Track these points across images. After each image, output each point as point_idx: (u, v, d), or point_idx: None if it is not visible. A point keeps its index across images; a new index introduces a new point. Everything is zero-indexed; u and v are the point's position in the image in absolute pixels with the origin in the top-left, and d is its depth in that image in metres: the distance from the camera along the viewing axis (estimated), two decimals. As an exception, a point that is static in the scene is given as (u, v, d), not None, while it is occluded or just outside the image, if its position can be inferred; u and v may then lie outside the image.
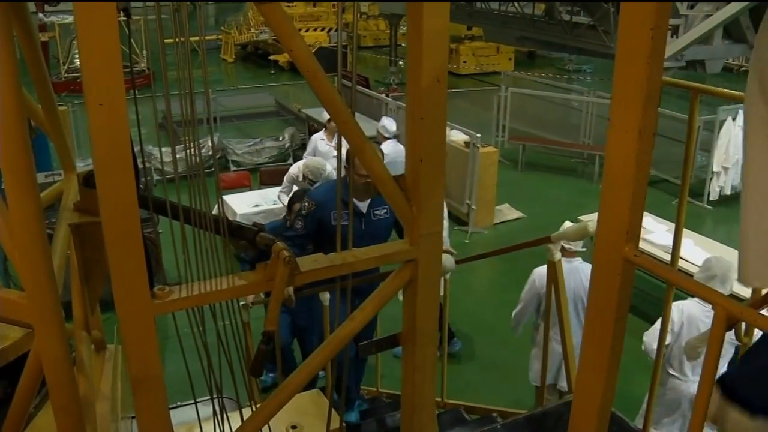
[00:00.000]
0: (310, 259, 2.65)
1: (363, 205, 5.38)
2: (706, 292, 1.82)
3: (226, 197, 10.45)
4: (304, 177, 9.07)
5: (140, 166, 2.50)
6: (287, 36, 2.33)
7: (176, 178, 2.61)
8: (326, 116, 10.70)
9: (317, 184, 8.27)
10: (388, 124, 11.17)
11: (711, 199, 12.64)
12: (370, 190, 2.46)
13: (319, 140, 10.67)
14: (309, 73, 2.35)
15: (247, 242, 2.77)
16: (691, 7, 13.02)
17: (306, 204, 5.52)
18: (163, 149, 9.24)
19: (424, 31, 2.40)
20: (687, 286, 1.91)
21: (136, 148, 2.37)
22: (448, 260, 2.93)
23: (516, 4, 17.19)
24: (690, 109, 2.99)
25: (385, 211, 5.44)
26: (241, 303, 5.83)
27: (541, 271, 5.38)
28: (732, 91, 3.05)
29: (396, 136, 11.05)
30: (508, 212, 12.51)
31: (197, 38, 2.56)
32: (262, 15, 2.38)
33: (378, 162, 2.54)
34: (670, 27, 12.60)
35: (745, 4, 11.83)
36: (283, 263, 2.49)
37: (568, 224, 5.53)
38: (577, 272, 5.72)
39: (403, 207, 2.60)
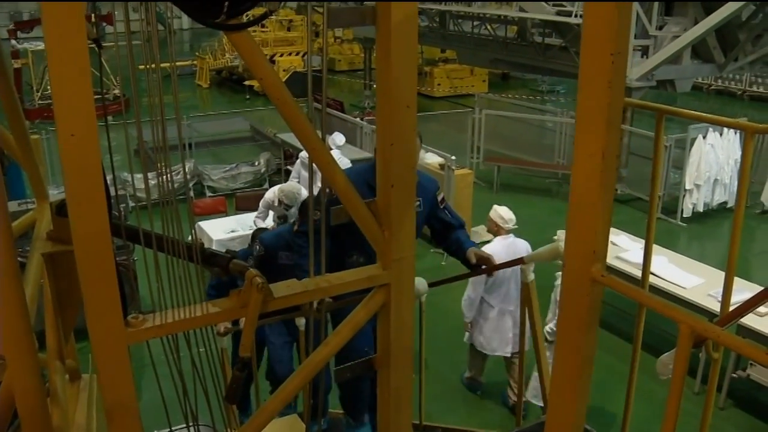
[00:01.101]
0: (284, 285, 2.67)
1: None
2: (672, 312, 1.86)
3: (201, 223, 10.40)
4: (280, 202, 9.05)
5: (115, 193, 2.51)
6: (257, 64, 2.36)
7: (149, 206, 2.61)
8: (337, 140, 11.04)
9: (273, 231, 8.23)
10: (337, 138, 11.70)
11: (684, 216, 12.76)
12: (342, 215, 2.49)
13: (306, 157, 10.74)
14: (279, 101, 2.38)
15: (221, 269, 2.77)
16: (660, 28, 13.24)
17: (257, 248, 5.86)
18: (139, 176, 9.20)
19: (393, 58, 2.44)
20: (654, 305, 1.94)
21: (111, 176, 2.39)
22: (421, 284, 2.95)
23: (489, 26, 17.39)
24: (656, 129, 3.05)
25: (418, 204, 4.74)
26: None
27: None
28: (696, 113, 3.11)
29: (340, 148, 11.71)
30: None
31: (169, 64, 2.58)
32: (232, 44, 2.41)
33: (350, 188, 2.56)
34: (640, 47, 12.77)
35: (712, 24, 12.06)
36: (257, 290, 2.50)
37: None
38: (514, 245, 6.85)
39: (375, 232, 2.62)
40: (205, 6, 2.27)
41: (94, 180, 2.11)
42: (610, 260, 8.35)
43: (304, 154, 11.08)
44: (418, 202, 4.43)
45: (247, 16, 2.38)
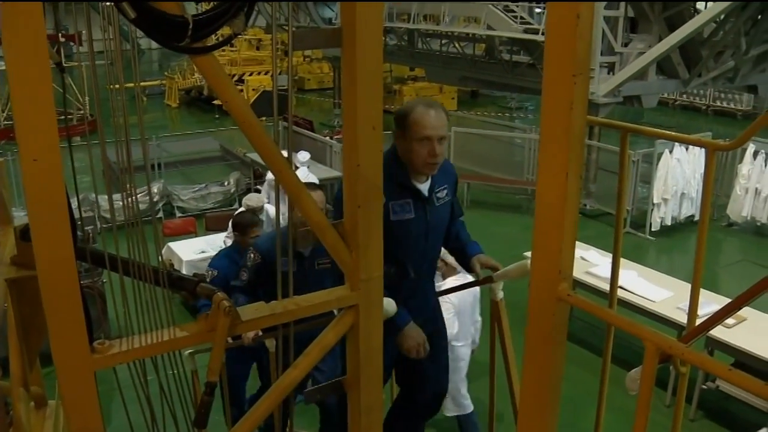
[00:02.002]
0: (252, 308, 2.66)
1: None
2: (637, 330, 1.87)
3: (171, 244, 10.33)
4: (247, 207, 9.04)
5: (85, 214, 2.48)
6: (222, 87, 2.36)
7: (113, 228, 2.59)
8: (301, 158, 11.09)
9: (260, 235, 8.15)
10: (301, 155, 11.80)
11: (653, 230, 12.89)
12: (309, 237, 2.48)
13: (272, 180, 10.71)
14: (244, 124, 2.37)
15: (188, 293, 2.75)
16: (626, 45, 13.43)
17: (251, 256, 5.40)
18: (107, 197, 9.12)
19: (358, 80, 2.45)
20: (619, 324, 1.96)
21: (76, 198, 2.36)
22: (389, 304, 2.95)
23: (457, 44, 17.52)
24: (621, 147, 3.08)
25: (446, 192, 4.05)
26: (186, 352, 5.74)
27: None
28: (659, 130, 3.14)
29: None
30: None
31: (139, 84, 2.57)
32: (196, 67, 2.40)
33: (316, 210, 2.56)
34: (606, 64, 12.91)
35: (675, 41, 12.25)
36: (224, 314, 2.49)
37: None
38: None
39: (343, 253, 2.62)
40: (169, 29, 2.26)
41: (58, 205, 2.09)
42: (580, 275, 8.40)
43: (271, 175, 11.07)
44: (444, 190, 3.98)
45: (216, 36, 2.38)
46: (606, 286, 8.00)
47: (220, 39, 2.48)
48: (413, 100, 4.16)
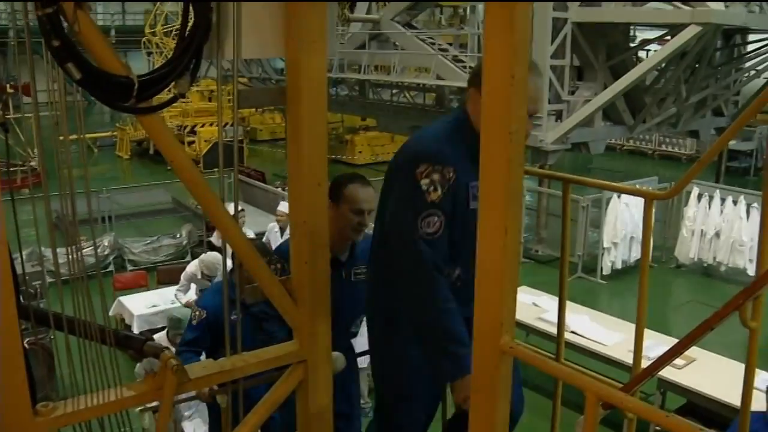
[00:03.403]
0: (200, 366, 2.64)
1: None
2: (577, 380, 1.91)
3: (122, 298, 10.19)
4: (202, 274, 8.96)
5: (33, 269, 2.46)
6: (167, 146, 2.38)
7: (58, 283, 2.56)
8: (230, 210, 10.79)
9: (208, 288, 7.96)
10: (282, 206, 11.42)
11: (604, 273, 13.07)
12: (257, 293, 2.49)
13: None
14: (190, 183, 2.39)
15: (135, 352, 2.73)
16: (572, 93, 13.74)
17: (196, 314, 5.23)
18: (58, 250, 8.97)
19: (303, 137, 2.49)
20: (560, 375, 1.99)
21: (22, 254, 2.34)
22: (338, 358, 2.96)
23: (407, 94, 17.75)
24: (563, 197, 3.16)
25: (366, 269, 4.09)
26: (137, 409, 5.62)
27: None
28: (600, 181, 3.24)
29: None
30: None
31: (89, 135, 2.56)
32: (142, 126, 2.42)
33: (263, 267, 2.58)
34: (554, 112, 13.19)
35: (619, 89, 12.57)
36: (171, 372, 2.47)
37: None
38: None
39: (290, 309, 2.63)
40: (115, 90, 2.28)
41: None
42: (533, 321, 8.47)
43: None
44: (366, 268, 3.93)
45: (168, 90, 2.40)
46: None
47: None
48: None
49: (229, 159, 2.68)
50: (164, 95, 2.50)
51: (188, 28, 2.36)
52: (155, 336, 7.90)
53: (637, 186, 12.95)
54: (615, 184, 3.37)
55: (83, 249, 2.54)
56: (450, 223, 2.89)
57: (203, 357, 5.55)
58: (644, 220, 3.03)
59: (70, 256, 2.48)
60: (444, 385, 3.40)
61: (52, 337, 8.61)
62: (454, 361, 2.87)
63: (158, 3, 31.51)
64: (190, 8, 2.36)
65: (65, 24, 2.14)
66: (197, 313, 5.24)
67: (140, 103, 2.31)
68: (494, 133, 1.95)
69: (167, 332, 7.53)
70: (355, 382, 4.60)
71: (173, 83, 2.38)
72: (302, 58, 2.45)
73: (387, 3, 17.20)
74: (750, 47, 15.44)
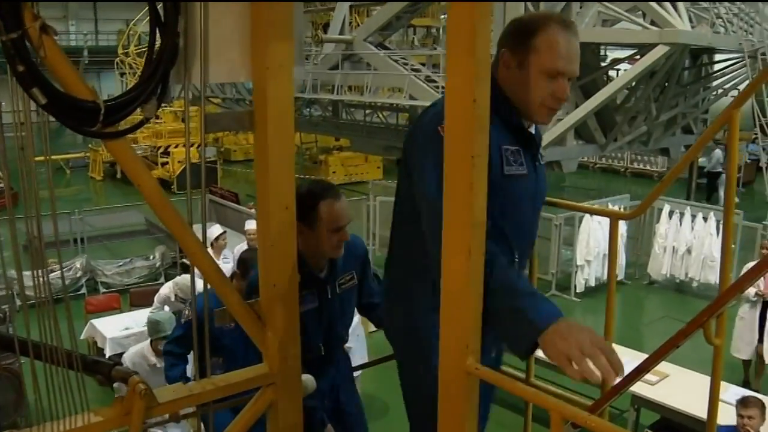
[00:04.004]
0: (169, 390, 2.63)
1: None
2: (542, 400, 1.93)
3: (94, 321, 10.12)
4: (176, 296, 8.92)
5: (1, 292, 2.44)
6: (135, 171, 2.38)
7: (24, 308, 2.54)
8: (212, 234, 10.66)
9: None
10: (249, 224, 11.28)
11: (578, 291, 13.17)
12: (226, 317, 2.49)
13: None
14: (157, 207, 2.40)
15: (103, 377, 2.71)
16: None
17: (186, 312, 5.28)
18: (26, 273, 8.88)
19: (270, 160, 2.51)
20: (525, 395, 2.01)
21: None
22: (309, 381, 2.96)
23: (380, 114, 17.83)
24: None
25: (351, 277, 3.83)
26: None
27: None
28: (568, 202, 3.29)
29: None
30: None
31: (61, 156, 2.55)
32: (108, 151, 2.42)
33: (231, 291, 2.58)
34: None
35: (591, 108, 12.71)
36: (139, 396, 2.46)
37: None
38: None
39: (259, 332, 2.63)
40: (81, 115, 2.28)
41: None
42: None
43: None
44: (350, 275, 3.74)
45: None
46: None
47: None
48: None
49: (206, 178, 2.69)
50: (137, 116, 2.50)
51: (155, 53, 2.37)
52: (138, 346, 7.78)
53: (609, 204, 13.20)
54: (582, 204, 3.42)
55: (54, 272, 2.53)
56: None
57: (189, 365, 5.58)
58: (610, 239, 3.08)
59: (37, 280, 2.46)
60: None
61: (21, 362, 8.52)
62: (527, 316, 2.08)
63: (131, 23, 31.51)
64: (158, 33, 2.37)
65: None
66: (187, 312, 5.27)
67: (107, 127, 2.31)
68: (456, 157, 1.97)
69: (150, 341, 7.40)
70: (353, 384, 4.21)
71: (140, 108, 2.38)
72: (269, 82, 2.47)
73: (359, 24, 17.30)
74: (717, 66, 15.69)
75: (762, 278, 8.58)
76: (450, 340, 2.04)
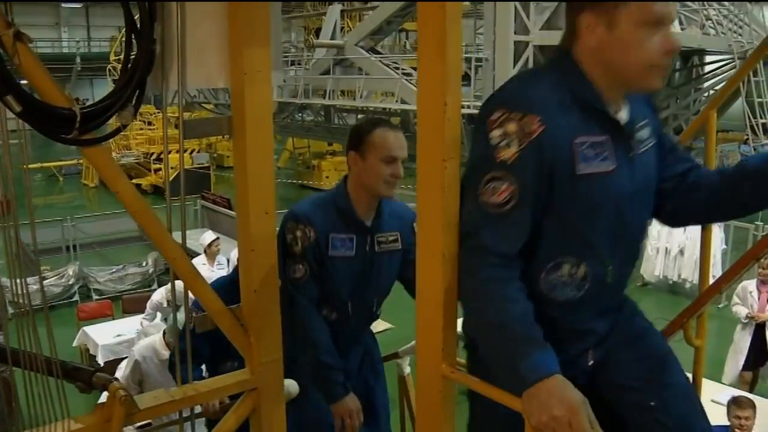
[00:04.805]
0: (150, 396, 2.63)
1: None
2: (516, 403, 1.93)
3: (86, 328, 10.10)
4: (168, 303, 8.88)
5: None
6: (113, 178, 2.38)
7: (2, 318, 2.54)
8: (205, 240, 10.62)
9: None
10: (206, 236, 11.09)
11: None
12: (206, 323, 2.48)
13: (200, 264, 10.29)
14: (137, 214, 2.40)
15: (83, 383, 2.70)
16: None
17: (300, 234, 3.64)
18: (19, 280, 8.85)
19: (249, 167, 2.50)
20: (500, 398, 1.99)
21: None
22: (292, 386, 2.95)
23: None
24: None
25: (395, 238, 3.56)
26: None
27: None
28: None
29: None
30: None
31: (54, 163, 2.55)
32: (86, 158, 2.42)
33: (212, 298, 2.57)
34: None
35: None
36: (119, 403, 2.45)
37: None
38: None
39: (241, 337, 2.63)
40: (56, 122, 2.28)
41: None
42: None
43: (197, 260, 10.59)
44: (395, 236, 3.51)
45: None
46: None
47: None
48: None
49: (195, 186, 2.69)
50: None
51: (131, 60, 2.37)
52: (149, 338, 7.46)
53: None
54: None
55: (45, 279, 2.52)
56: (548, 195, 1.98)
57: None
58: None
59: (18, 290, 2.46)
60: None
61: (12, 369, 8.45)
62: (516, 365, 1.89)
63: (123, 30, 31.41)
64: (133, 39, 2.37)
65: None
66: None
67: (83, 135, 2.30)
68: (428, 162, 1.98)
69: (163, 333, 7.07)
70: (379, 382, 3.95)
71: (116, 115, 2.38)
72: (246, 87, 2.46)
73: (351, 29, 17.33)
74: (707, 68, 15.76)
75: (755, 300, 8.25)
76: (425, 345, 2.05)
